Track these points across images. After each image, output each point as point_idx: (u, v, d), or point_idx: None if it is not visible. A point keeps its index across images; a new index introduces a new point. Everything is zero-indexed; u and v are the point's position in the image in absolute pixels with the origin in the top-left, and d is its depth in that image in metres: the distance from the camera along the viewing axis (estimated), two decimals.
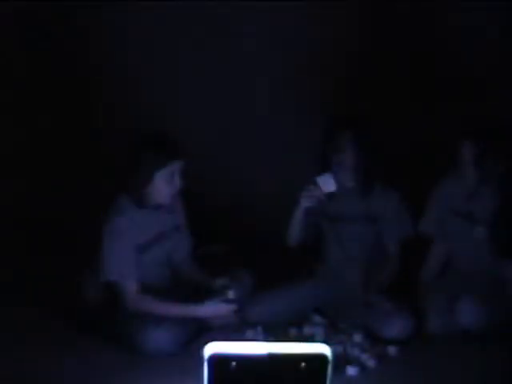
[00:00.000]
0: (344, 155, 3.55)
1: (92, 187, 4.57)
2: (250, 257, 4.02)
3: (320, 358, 1.88)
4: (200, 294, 3.40)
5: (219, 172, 4.89)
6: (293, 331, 3.42)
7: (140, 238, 3.37)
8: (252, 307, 3.51)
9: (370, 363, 3.11)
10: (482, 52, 4.65)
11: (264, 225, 4.55)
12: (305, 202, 3.52)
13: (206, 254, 3.74)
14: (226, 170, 4.89)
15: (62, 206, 4.61)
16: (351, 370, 3.04)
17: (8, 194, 4.63)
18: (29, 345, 3.28)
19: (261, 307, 3.51)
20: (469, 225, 3.55)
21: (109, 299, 3.40)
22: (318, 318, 3.53)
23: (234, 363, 1.88)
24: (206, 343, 1.92)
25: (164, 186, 3.34)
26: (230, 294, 3.29)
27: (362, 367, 3.08)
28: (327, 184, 3.46)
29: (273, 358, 1.87)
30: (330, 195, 3.49)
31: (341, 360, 3.09)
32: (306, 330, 3.42)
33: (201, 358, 1.88)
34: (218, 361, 1.87)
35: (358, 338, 3.30)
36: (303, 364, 1.88)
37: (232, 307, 3.30)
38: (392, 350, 3.23)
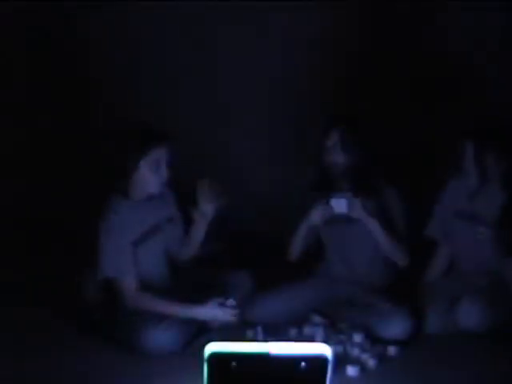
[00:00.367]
0: (335, 155, 3.55)
1: (92, 187, 4.57)
2: (250, 257, 4.01)
3: (320, 358, 1.87)
4: (201, 291, 3.40)
5: (219, 172, 4.88)
6: (293, 331, 3.42)
7: (135, 231, 3.37)
8: (252, 307, 3.51)
9: (370, 363, 3.11)
10: (483, 51, 4.65)
11: (264, 225, 4.55)
12: (314, 219, 3.52)
13: (206, 253, 3.73)
14: (226, 170, 4.88)
15: (62, 205, 4.61)
16: (351, 370, 3.04)
17: (8, 194, 4.63)
18: (29, 345, 3.29)
19: (261, 307, 3.51)
20: (472, 225, 3.55)
21: (108, 299, 3.40)
22: (317, 318, 3.52)
23: (234, 363, 1.88)
24: (206, 343, 1.92)
25: (150, 174, 3.33)
26: (230, 302, 3.30)
27: (362, 367, 3.08)
28: (340, 205, 3.47)
29: (273, 358, 1.87)
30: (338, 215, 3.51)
31: (341, 360, 3.09)
32: (306, 330, 3.42)
33: (201, 357, 1.88)
34: (217, 361, 1.87)
35: (357, 338, 3.30)
36: (303, 364, 1.88)
37: (231, 312, 3.30)
38: (392, 349, 3.23)
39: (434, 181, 3.78)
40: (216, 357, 1.87)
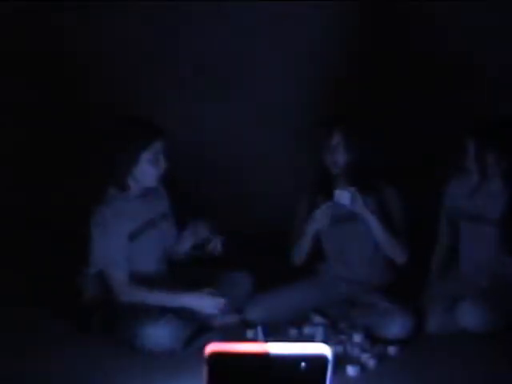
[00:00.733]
0: (337, 155, 3.55)
1: (92, 187, 4.57)
2: (250, 257, 4.01)
3: (320, 358, 1.87)
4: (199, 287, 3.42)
5: (219, 172, 4.89)
6: (293, 331, 3.42)
7: (129, 226, 3.37)
8: (252, 307, 3.51)
9: (370, 363, 3.11)
10: (483, 51, 4.65)
11: (264, 225, 4.55)
12: (321, 223, 3.53)
13: (205, 253, 3.74)
14: (226, 170, 4.89)
15: (62, 205, 4.60)
16: (351, 370, 3.04)
17: (8, 194, 4.63)
18: (29, 345, 3.28)
19: (261, 307, 3.51)
20: (476, 224, 3.55)
21: (107, 298, 3.39)
22: (318, 318, 3.53)
23: (234, 363, 1.88)
24: (206, 343, 1.92)
25: (150, 167, 3.34)
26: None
27: (362, 367, 3.08)
28: (343, 197, 3.47)
29: (273, 358, 1.87)
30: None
31: (341, 360, 3.09)
32: (306, 330, 3.42)
33: (201, 357, 1.88)
34: (217, 361, 1.87)
35: (357, 338, 3.30)
36: (303, 364, 1.88)
37: (219, 301, 3.31)
38: (392, 349, 3.23)
39: (434, 180, 3.78)
40: (216, 357, 1.87)
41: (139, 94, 4.76)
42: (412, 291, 3.61)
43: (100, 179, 3.41)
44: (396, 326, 3.34)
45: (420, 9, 4.70)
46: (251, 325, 3.43)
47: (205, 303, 3.34)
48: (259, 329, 3.37)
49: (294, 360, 1.88)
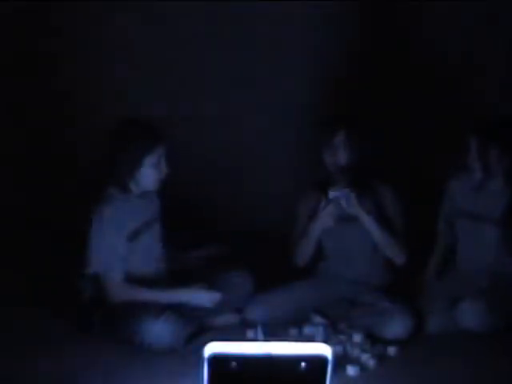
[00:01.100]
0: (338, 155, 3.55)
1: (92, 187, 4.57)
2: (250, 257, 4.01)
3: (320, 358, 1.87)
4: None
5: (219, 172, 4.89)
6: (293, 331, 3.42)
7: (128, 226, 3.38)
8: (252, 307, 3.51)
9: (370, 363, 3.11)
10: (483, 51, 4.65)
11: (264, 225, 4.55)
12: (326, 222, 3.53)
13: (205, 255, 3.75)
14: (226, 170, 4.88)
15: (62, 205, 4.60)
16: (351, 370, 3.04)
17: (8, 194, 4.63)
18: (29, 345, 3.28)
19: (261, 307, 3.51)
20: (477, 223, 3.55)
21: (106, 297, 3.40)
22: (318, 318, 3.52)
23: (234, 363, 1.88)
24: (206, 343, 1.92)
25: (152, 170, 3.36)
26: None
27: (362, 367, 3.08)
28: (338, 197, 3.47)
29: (273, 358, 1.87)
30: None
31: (341, 360, 3.09)
32: (306, 330, 3.42)
33: (201, 357, 1.88)
34: (217, 361, 1.87)
35: (357, 338, 3.30)
36: (303, 364, 1.88)
37: (214, 295, 3.34)
38: (392, 349, 3.23)
39: (433, 180, 3.78)
40: (216, 357, 1.87)
41: (139, 94, 4.76)
42: (412, 291, 3.61)
43: (101, 179, 3.41)
44: (396, 326, 3.34)
45: (420, 9, 4.70)
46: (251, 325, 3.43)
47: (200, 297, 3.37)
48: (259, 329, 3.37)
49: (294, 360, 1.88)
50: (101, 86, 4.78)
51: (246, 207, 4.78)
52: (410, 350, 3.25)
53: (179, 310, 3.32)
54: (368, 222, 3.50)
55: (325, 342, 3.19)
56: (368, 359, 3.12)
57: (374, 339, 3.31)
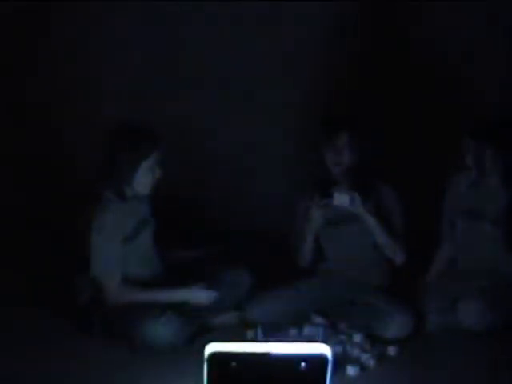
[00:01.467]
0: (340, 156, 3.55)
1: (91, 189, 4.57)
2: (250, 257, 4.01)
3: (320, 358, 1.88)
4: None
5: (219, 172, 4.89)
6: (293, 331, 3.42)
7: (124, 229, 3.40)
8: (252, 307, 3.51)
9: (370, 363, 3.11)
10: (483, 51, 4.65)
11: (264, 225, 4.55)
12: (316, 219, 3.53)
13: (193, 255, 3.76)
14: (226, 170, 4.89)
15: (62, 205, 4.60)
16: (351, 370, 3.04)
17: (8, 194, 4.63)
18: (29, 345, 3.28)
19: (261, 307, 3.51)
20: (476, 223, 3.56)
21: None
22: (318, 318, 3.52)
23: (234, 363, 1.88)
24: (206, 343, 1.92)
25: (147, 175, 3.38)
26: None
27: (362, 367, 3.08)
28: (343, 199, 3.47)
29: (273, 358, 1.87)
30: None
31: (341, 360, 3.09)
32: (306, 330, 3.42)
33: (201, 357, 1.88)
34: (218, 361, 1.87)
35: (357, 338, 3.30)
36: (303, 364, 1.88)
37: (211, 293, 3.37)
38: (392, 349, 3.23)
39: (433, 180, 3.78)
40: (216, 357, 1.87)
41: (139, 94, 4.76)
42: (412, 291, 3.61)
43: (98, 183, 3.42)
44: (396, 326, 3.34)
45: (420, 9, 4.70)
46: (251, 325, 3.43)
47: (199, 296, 3.40)
48: (259, 329, 3.37)
49: (294, 360, 1.88)
50: (101, 86, 4.78)
51: (246, 207, 4.78)
52: (409, 350, 3.26)
53: (180, 310, 3.33)
54: (372, 223, 3.51)
55: (325, 342, 3.19)
56: (368, 359, 3.12)
57: (373, 339, 3.31)
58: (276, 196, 4.72)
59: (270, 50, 4.82)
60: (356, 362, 3.12)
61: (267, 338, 3.34)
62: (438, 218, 3.76)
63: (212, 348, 1.88)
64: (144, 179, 3.39)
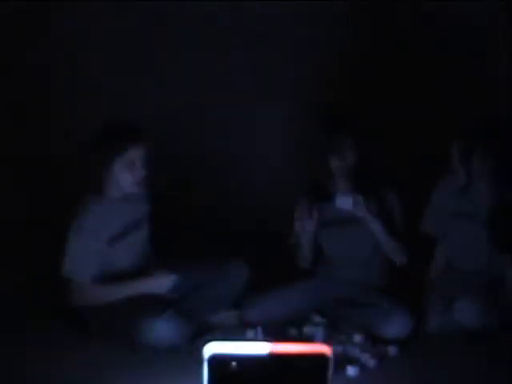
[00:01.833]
0: (343, 156, 3.55)
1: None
2: (250, 257, 4.01)
3: (320, 358, 1.87)
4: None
5: (219, 172, 4.89)
6: (293, 331, 3.42)
7: (107, 229, 3.36)
8: (252, 307, 3.51)
9: (370, 363, 3.11)
10: (483, 51, 4.65)
11: (264, 225, 4.55)
12: (308, 226, 3.52)
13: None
14: (226, 170, 4.88)
15: (62, 206, 4.60)
16: (351, 370, 3.04)
17: (8, 194, 4.63)
18: (29, 345, 3.28)
19: (261, 307, 3.51)
20: (466, 224, 3.56)
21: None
22: (318, 318, 3.53)
23: (234, 363, 1.88)
24: (206, 343, 1.92)
25: (125, 173, 3.33)
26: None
27: (362, 367, 3.08)
28: (346, 202, 3.47)
29: (273, 358, 1.87)
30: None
31: (341, 360, 3.09)
32: (306, 330, 3.42)
33: (200, 357, 1.88)
34: (217, 361, 1.87)
35: (357, 338, 3.30)
36: (303, 364, 1.88)
37: (171, 277, 3.37)
38: (392, 349, 3.23)
39: (434, 181, 3.78)
40: (216, 357, 1.87)
41: (139, 93, 4.76)
42: (412, 291, 3.61)
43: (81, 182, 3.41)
44: (395, 326, 3.34)
45: (420, 9, 4.70)
46: (251, 325, 3.43)
47: (159, 283, 3.37)
48: (259, 329, 3.37)
49: (294, 360, 1.88)
50: (101, 85, 4.77)
51: (247, 207, 4.78)
52: (409, 350, 3.26)
53: (180, 309, 3.33)
54: (374, 224, 3.51)
55: (325, 342, 3.19)
56: (368, 359, 3.12)
57: (374, 339, 3.31)
58: (276, 196, 4.72)
59: (270, 49, 4.82)
60: (356, 362, 3.12)
61: (267, 338, 3.34)
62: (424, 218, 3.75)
63: (212, 348, 1.88)
64: (123, 177, 3.33)
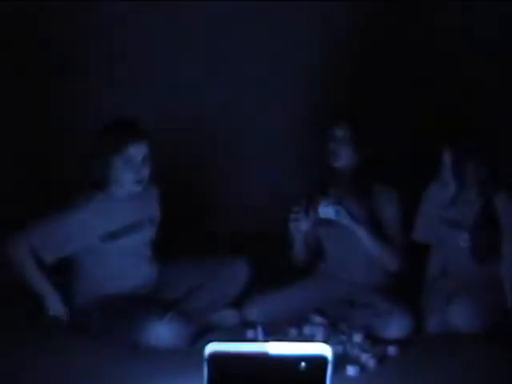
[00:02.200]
0: (343, 156, 3.56)
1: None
2: (250, 257, 4.01)
3: (320, 358, 1.88)
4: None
5: (219, 172, 4.89)
6: (293, 331, 3.42)
7: (101, 227, 3.34)
8: (252, 307, 3.51)
9: (370, 363, 3.11)
10: (483, 51, 4.66)
11: (264, 225, 4.55)
12: (302, 226, 3.52)
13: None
14: (226, 170, 4.89)
15: (62, 205, 4.60)
16: (351, 370, 3.04)
17: (8, 194, 4.63)
18: (29, 345, 3.28)
19: (261, 307, 3.51)
20: (455, 231, 3.55)
21: (105, 297, 3.40)
22: (318, 318, 3.52)
23: (234, 363, 1.88)
24: (206, 343, 1.92)
25: (126, 171, 3.30)
26: None
27: (362, 367, 3.08)
28: (328, 212, 3.47)
29: (273, 358, 1.87)
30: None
31: (341, 360, 3.09)
32: (306, 330, 3.42)
33: (201, 357, 1.88)
34: (218, 361, 1.87)
35: (357, 338, 3.30)
36: (303, 364, 1.88)
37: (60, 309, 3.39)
38: (392, 349, 3.23)
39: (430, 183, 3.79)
40: (216, 357, 1.87)
41: (140, 94, 4.76)
42: (411, 291, 3.61)
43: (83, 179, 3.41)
44: (395, 326, 3.34)
45: (420, 9, 4.70)
46: (251, 325, 3.43)
47: (50, 304, 3.39)
48: (259, 329, 3.37)
49: (294, 360, 1.88)
50: (101, 85, 4.78)
51: (247, 207, 4.78)
52: (409, 350, 3.26)
53: (181, 310, 3.33)
54: (359, 232, 3.50)
55: (325, 342, 3.19)
56: (368, 359, 3.12)
57: (373, 339, 3.31)
58: (276, 196, 4.72)
59: (270, 49, 4.82)
60: (356, 362, 3.12)
61: (267, 338, 3.34)
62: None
63: (212, 348, 1.88)
64: (123, 175, 3.31)
